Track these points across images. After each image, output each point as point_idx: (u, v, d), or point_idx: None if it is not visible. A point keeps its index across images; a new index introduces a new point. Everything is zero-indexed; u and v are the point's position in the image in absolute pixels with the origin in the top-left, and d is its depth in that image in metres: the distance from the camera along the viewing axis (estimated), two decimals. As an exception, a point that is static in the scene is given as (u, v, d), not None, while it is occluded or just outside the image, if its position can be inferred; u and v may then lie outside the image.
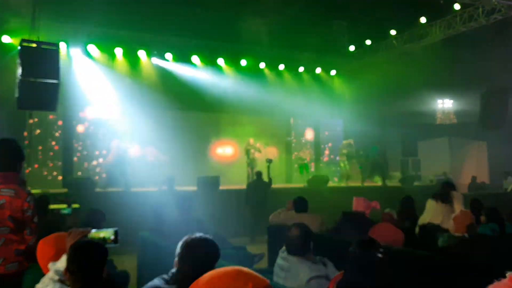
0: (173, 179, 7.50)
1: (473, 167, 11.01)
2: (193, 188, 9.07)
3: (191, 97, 11.79)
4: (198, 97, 11.78)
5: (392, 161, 12.56)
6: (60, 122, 10.87)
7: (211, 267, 1.82)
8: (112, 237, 2.15)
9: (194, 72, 12.17)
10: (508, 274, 0.98)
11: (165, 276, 1.86)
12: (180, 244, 1.88)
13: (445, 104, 14.17)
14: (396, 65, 11.94)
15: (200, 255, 1.80)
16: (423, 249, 3.33)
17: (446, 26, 11.25)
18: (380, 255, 1.92)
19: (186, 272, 1.80)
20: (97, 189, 8.32)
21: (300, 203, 4.59)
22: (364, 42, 13.17)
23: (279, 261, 2.51)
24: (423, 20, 11.62)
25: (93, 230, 2.18)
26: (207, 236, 1.93)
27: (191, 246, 1.83)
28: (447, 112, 14.01)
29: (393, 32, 12.35)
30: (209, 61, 12.31)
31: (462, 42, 11.15)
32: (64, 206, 4.21)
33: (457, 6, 10.64)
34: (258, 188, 8.25)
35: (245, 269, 1.30)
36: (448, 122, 13.93)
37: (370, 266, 1.89)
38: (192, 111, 12.22)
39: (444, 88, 12.95)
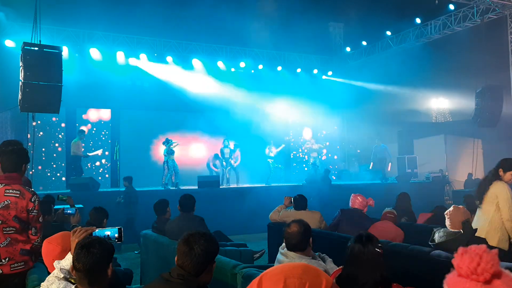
0: (131, 178, 7.58)
1: (469, 164, 11.05)
2: (194, 187, 9.18)
3: (191, 97, 11.88)
4: (198, 97, 11.88)
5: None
6: (63, 124, 10.96)
7: (211, 262, 1.87)
8: (116, 235, 2.17)
9: (193, 73, 12.24)
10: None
11: (165, 274, 1.87)
12: (179, 240, 1.90)
13: (440, 103, 14.26)
14: (391, 65, 12.02)
15: (199, 250, 1.82)
16: (420, 245, 3.38)
17: (441, 26, 11.34)
18: (378, 249, 1.94)
19: (186, 268, 1.81)
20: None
21: (299, 200, 4.64)
22: (360, 43, 13.26)
23: (279, 256, 2.54)
24: (418, 20, 11.71)
25: (97, 229, 2.19)
26: (205, 231, 1.96)
27: (189, 242, 1.84)
28: (443, 111, 14.07)
29: (388, 32, 12.44)
30: (209, 63, 12.40)
31: (456, 40, 11.24)
32: (68, 206, 4.25)
33: (451, 6, 10.73)
34: (325, 183, 10.02)
35: (311, 265, 1.32)
36: (444, 120, 14.00)
37: (368, 260, 1.91)
38: (192, 111, 12.30)
39: (439, 87, 13.02)
